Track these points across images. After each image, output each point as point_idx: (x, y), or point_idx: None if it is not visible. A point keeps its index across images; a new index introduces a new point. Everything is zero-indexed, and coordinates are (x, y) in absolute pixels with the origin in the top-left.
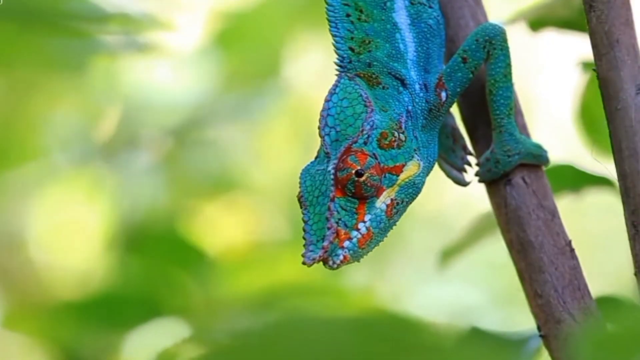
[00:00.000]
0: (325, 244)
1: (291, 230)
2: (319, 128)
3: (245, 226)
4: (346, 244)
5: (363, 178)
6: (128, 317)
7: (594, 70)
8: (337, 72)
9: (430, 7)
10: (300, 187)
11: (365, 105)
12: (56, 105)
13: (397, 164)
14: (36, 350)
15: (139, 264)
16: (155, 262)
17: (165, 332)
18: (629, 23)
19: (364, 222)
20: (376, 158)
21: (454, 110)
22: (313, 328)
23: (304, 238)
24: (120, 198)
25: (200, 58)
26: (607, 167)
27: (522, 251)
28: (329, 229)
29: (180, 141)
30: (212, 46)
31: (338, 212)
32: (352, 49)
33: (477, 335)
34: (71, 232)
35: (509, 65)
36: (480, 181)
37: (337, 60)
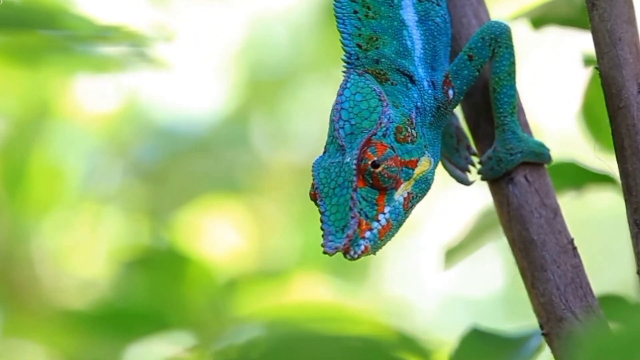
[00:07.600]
0: (350, 232)
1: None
2: (331, 121)
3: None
4: (367, 234)
5: (379, 169)
6: (132, 328)
7: (596, 68)
8: (345, 69)
9: (438, 4)
10: (313, 181)
11: (380, 100)
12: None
13: (412, 159)
14: (40, 358)
15: (143, 278)
16: (160, 277)
17: (170, 345)
18: (631, 21)
19: (384, 213)
20: (394, 150)
21: (457, 108)
22: (316, 344)
23: (321, 229)
24: (125, 210)
25: (215, 73)
26: (609, 166)
27: (524, 249)
28: (352, 217)
29: (187, 156)
30: (226, 62)
31: (360, 202)
32: (359, 46)
33: (477, 335)
34: (78, 244)
35: (513, 63)
36: (482, 179)
37: (344, 57)
